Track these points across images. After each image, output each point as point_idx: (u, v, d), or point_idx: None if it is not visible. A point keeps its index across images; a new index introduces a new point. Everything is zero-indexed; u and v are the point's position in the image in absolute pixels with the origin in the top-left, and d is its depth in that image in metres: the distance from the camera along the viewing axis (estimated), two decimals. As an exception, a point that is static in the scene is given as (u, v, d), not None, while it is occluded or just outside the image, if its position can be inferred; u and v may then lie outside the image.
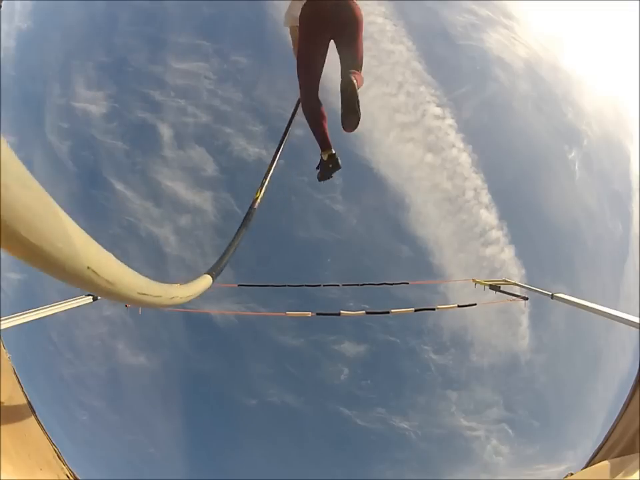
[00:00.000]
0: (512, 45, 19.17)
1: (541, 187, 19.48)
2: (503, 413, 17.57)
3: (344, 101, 2.78)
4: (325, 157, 3.54)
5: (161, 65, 19.01)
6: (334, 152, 3.52)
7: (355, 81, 2.74)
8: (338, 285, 6.25)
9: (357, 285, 6.36)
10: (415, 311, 4.83)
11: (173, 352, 18.34)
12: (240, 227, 2.46)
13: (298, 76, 3.33)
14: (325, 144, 3.47)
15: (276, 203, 20.00)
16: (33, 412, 2.70)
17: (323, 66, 3.28)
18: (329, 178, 3.69)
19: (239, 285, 6.38)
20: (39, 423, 2.72)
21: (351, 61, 3.10)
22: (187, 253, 18.96)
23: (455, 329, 18.66)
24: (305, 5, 3.12)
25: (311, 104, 3.43)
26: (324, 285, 6.15)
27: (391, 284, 6.43)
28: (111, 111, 18.64)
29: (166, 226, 18.92)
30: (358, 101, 2.73)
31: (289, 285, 6.08)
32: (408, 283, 6.64)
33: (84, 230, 0.56)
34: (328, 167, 3.58)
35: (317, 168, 3.67)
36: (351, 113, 2.77)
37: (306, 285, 6.27)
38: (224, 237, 19.58)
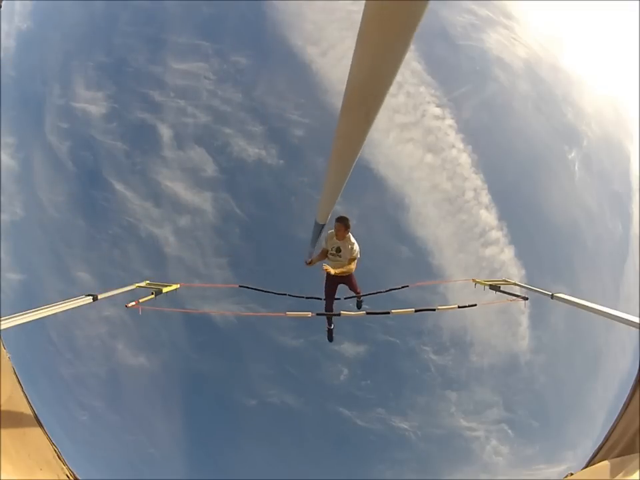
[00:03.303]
0: (512, 45, 19.18)
1: (541, 187, 19.49)
2: (502, 414, 17.59)
3: (358, 305, 6.85)
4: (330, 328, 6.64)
5: (160, 65, 19.04)
6: (332, 327, 6.61)
7: (361, 302, 6.80)
8: (339, 299, 6.28)
9: (358, 295, 6.37)
10: (415, 311, 4.83)
11: (173, 352, 18.36)
12: None
13: (325, 295, 6.17)
14: (329, 323, 6.60)
15: (276, 203, 19.99)
16: (33, 412, 2.70)
17: (335, 293, 6.18)
18: (332, 339, 6.72)
19: (239, 286, 6.35)
20: (39, 423, 2.72)
21: (354, 288, 6.24)
22: (187, 253, 18.95)
23: (455, 329, 18.68)
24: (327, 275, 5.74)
25: (328, 308, 6.21)
26: (324, 299, 6.16)
27: (392, 290, 6.41)
28: (111, 111, 18.58)
29: (166, 226, 18.95)
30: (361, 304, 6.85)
31: (289, 295, 6.11)
32: (408, 286, 6.62)
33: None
34: (330, 335, 6.68)
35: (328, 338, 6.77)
36: (359, 308, 6.88)
37: (308, 298, 6.28)
38: (223, 238, 19.57)
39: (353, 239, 5.45)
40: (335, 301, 6.15)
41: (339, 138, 1.43)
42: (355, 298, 6.59)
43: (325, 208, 2.50)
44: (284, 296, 6.17)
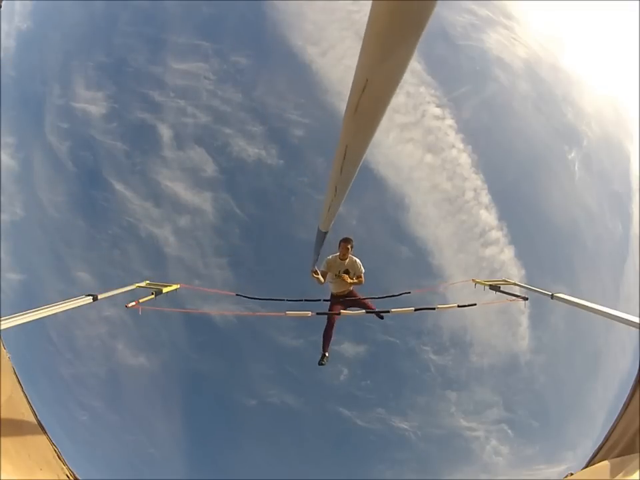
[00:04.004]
0: (512, 45, 19.15)
1: (541, 187, 19.48)
2: (502, 414, 17.58)
3: (380, 315, 5.45)
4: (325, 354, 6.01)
5: (160, 65, 19.02)
6: (327, 354, 5.85)
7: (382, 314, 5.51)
8: (339, 300, 6.20)
9: (357, 298, 6.30)
10: (415, 310, 4.83)
11: (173, 352, 18.36)
12: None
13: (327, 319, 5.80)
14: (325, 348, 5.91)
15: (276, 203, 19.98)
16: (33, 412, 2.70)
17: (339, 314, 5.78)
18: (322, 364, 5.99)
19: (236, 295, 6.17)
20: (39, 423, 2.72)
21: (366, 305, 5.83)
22: (187, 253, 18.96)
23: (455, 329, 18.67)
24: (332, 294, 6.06)
25: (329, 330, 5.80)
26: (324, 300, 6.10)
27: (393, 295, 6.36)
28: (111, 111, 18.58)
29: (166, 226, 18.95)
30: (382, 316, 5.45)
31: (287, 300, 6.03)
32: (410, 292, 6.56)
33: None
34: (322, 359, 5.97)
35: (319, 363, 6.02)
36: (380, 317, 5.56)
37: (306, 300, 6.21)
38: (223, 238, 19.56)
39: (354, 257, 5.82)
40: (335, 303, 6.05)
41: (343, 144, 1.41)
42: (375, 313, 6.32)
43: (328, 216, 2.50)
44: (282, 301, 6.08)
